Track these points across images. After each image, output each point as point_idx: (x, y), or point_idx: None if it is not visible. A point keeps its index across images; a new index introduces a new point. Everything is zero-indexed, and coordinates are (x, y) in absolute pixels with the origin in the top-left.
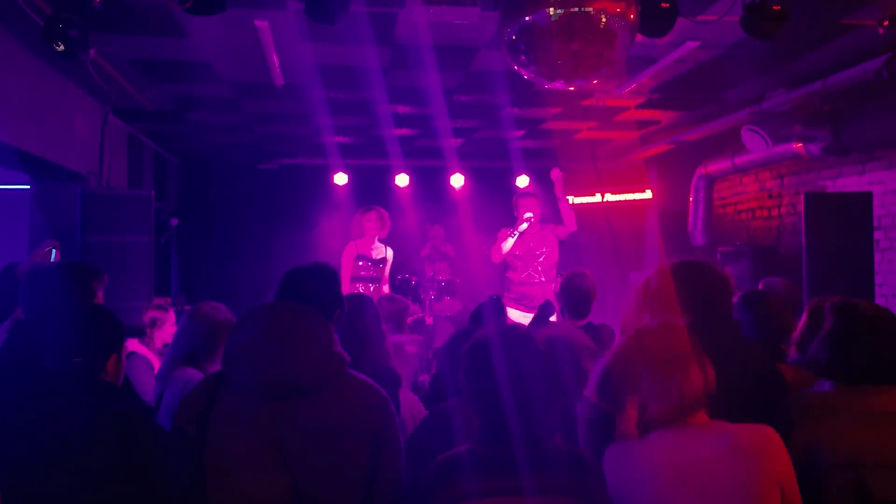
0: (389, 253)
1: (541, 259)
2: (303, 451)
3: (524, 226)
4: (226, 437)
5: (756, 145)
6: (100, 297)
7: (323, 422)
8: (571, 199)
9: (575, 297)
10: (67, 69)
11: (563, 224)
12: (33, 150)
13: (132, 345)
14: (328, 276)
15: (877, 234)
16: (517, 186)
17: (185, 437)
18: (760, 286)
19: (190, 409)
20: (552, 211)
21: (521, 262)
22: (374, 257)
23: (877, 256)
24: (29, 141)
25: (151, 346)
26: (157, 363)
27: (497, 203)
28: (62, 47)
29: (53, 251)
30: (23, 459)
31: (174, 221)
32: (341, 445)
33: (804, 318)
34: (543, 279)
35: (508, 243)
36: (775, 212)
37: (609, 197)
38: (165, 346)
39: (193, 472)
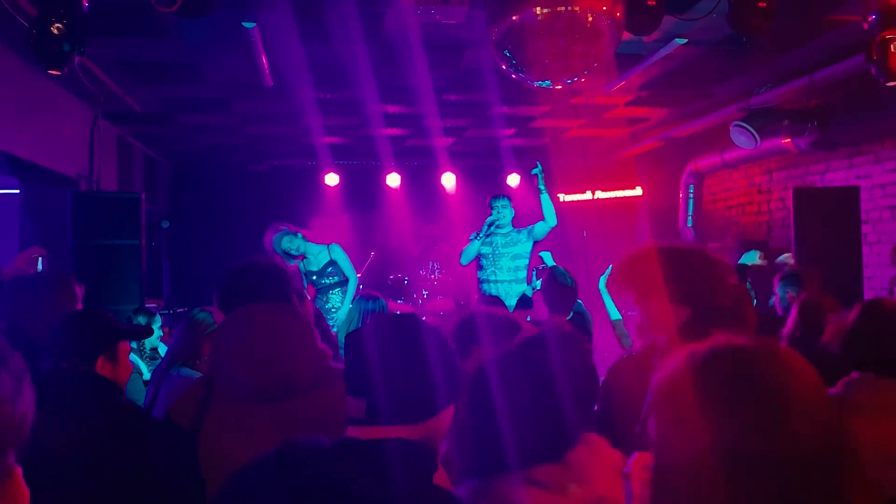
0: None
1: (506, 258)
2: None
3: (483, 229)
4: (222, 440)
5: (745, 141)
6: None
7: (318, 417)
8: (562, 197)
9: (558, 294)
10: None
11: (543, 220)
12: (22, 154)
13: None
14: (280, 270)
15: (865, 228)
16: (508, 185)
17: (183, 435)
18: None
19: (182, 414)
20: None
21: (486, 260)
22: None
23: (865, 249)
24: (18, 145)
25: (141, 351)
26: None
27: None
28: (58, 72)
29: (40, 259)
30: (29, 463)
31: (165, 224)
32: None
33: (794, 314)
34: (509, 279)
35: (472, 249)
36: (765, 207)
37: (600, 194)
38: (153, 349)
39: (193, 470)
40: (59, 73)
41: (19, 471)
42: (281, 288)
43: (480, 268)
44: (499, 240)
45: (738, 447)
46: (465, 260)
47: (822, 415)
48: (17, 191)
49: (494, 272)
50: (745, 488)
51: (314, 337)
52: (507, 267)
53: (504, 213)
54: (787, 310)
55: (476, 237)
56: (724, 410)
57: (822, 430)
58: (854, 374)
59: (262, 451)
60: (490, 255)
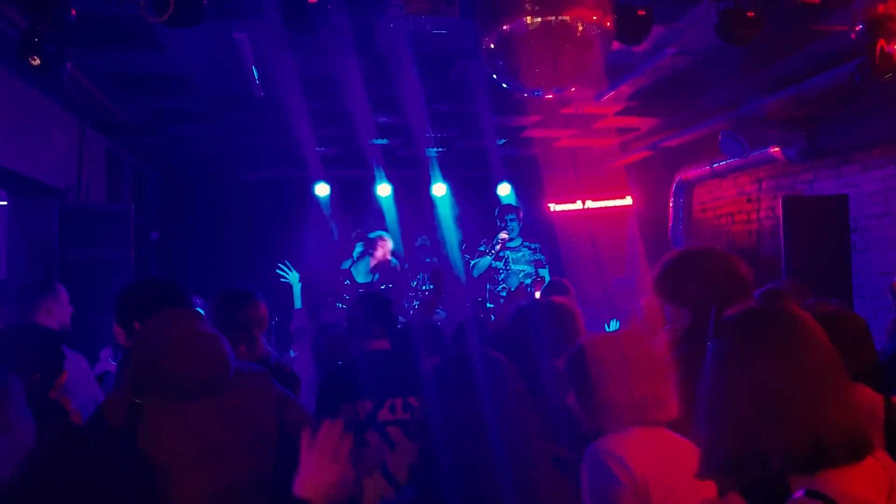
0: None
1: (516, 277)
2: (226, 441)
3: (497, 246)
4: (160, 438)
5: (734, 150)
6: None
7: (237, 414)
8: (553, 207)
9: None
10: (44, 84)
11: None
12: (9, 165)
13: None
14: (177, 284)
15: (853, 236)
16: (498, 195)
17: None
18: None
19: (113, 416)
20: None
21: (497, 276)
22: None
23: (854, 258)
24: (4, 156)
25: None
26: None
27: (479, 212)
28: (38, 61)
29: None
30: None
31: (154, 235)
32: (252, 426)
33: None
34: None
35: (483, 264)
36: (754, 216)
37: (590, 204)
38: None
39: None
40: (39, 62)
41: None
42: (181, 297)
43: (490, 281)
44: (510, 255)
45: None
46: (476, 273)
47: None
48: (4, 202)
49: (506, 289)
50: None
51: (220, 340)
52: (517, 285)
53: (513, 226)
54: None
55: (487, 252)
56: None
57: None
58: None
59: (195, 445)
60: (502, 271)
